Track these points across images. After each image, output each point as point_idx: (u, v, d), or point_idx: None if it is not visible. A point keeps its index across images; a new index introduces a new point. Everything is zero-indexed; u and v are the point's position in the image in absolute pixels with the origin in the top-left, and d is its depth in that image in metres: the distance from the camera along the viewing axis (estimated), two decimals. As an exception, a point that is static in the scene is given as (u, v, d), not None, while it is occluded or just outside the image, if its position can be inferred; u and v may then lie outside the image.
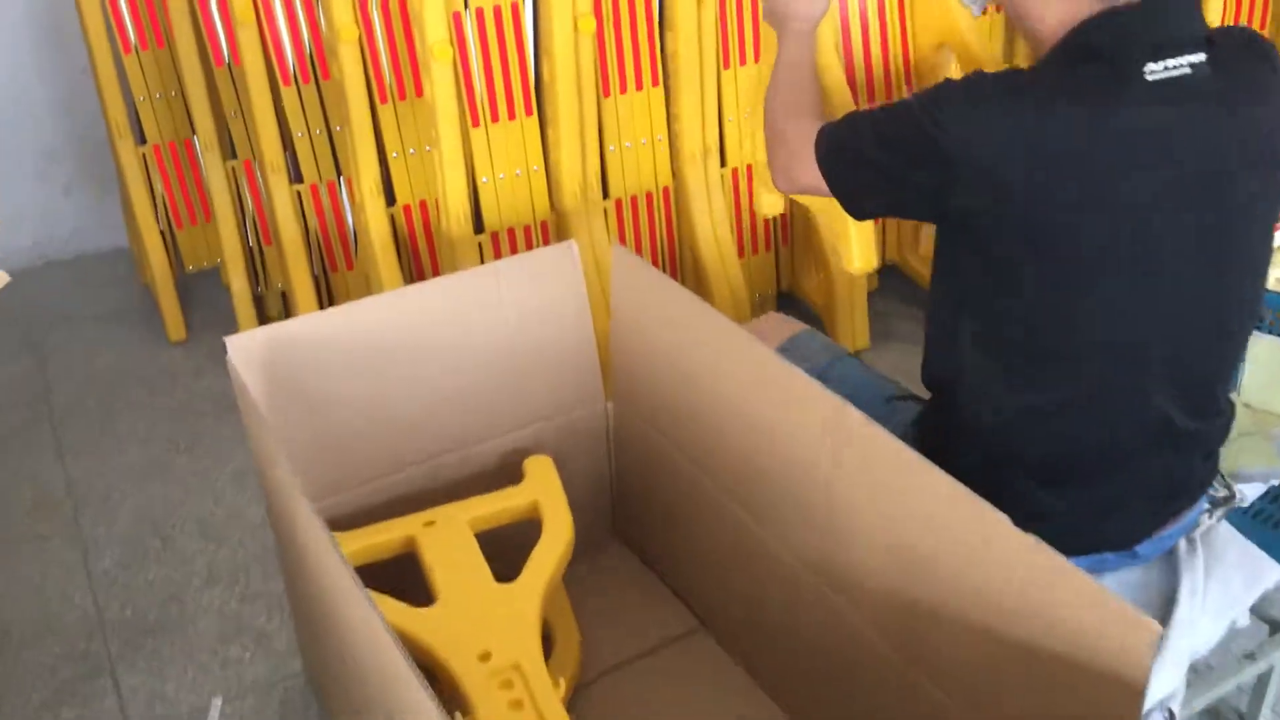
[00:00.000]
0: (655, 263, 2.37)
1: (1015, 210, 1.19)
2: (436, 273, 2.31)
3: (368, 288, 2.35)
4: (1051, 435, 1.27)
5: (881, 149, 1.29)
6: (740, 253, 2.38)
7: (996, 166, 1.18)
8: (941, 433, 1.39)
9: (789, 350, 1.61)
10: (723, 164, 2.30)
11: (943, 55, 1.72)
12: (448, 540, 1.58)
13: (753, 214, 2.41)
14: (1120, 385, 1.23)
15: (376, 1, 2.04)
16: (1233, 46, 1.20)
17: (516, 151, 2.09)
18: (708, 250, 2.28)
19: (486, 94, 2.02)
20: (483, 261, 2.15)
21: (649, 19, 2.11)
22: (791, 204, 2.42)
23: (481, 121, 2.04)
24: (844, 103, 1.65)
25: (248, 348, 1.51)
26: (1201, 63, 1.16)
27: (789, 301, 2.54)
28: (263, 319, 2.61)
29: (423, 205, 2.26)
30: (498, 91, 2.02)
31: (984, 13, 1.70)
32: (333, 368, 1.59)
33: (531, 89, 2.05)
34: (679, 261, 2.39)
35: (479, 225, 2.13)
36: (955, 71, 1.76)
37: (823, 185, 1.38)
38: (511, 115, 2.06)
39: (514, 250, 2.18)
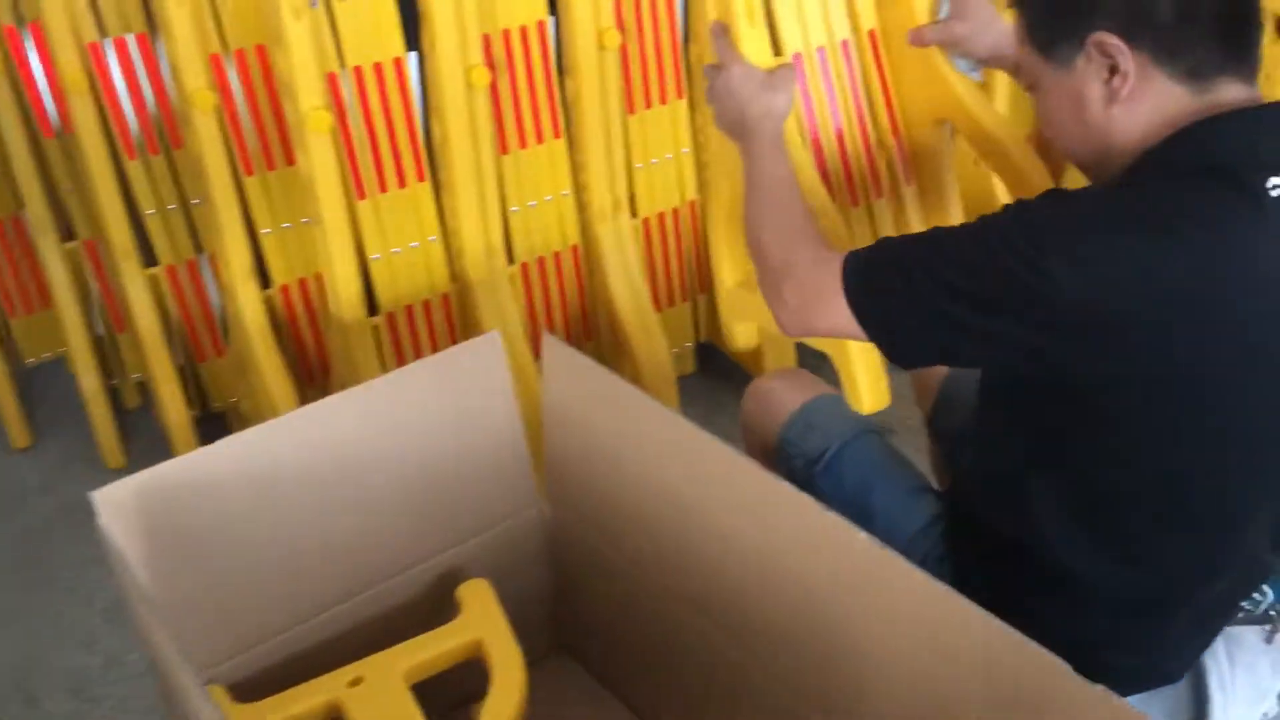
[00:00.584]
0: (567, 328, 2.17)
1: (1147, 370, 1.02)
2: (324, 360, 2.05)
3: (244, 378, 2.08)
4: (1138, 582, 1.13)
5: (954, 298, 1.06)
6: (656, 307, 2.19)
7: (1123, 319, 1.01)
8: (981, 553, 1.24)
9: (802, 419, 1.43)
10: (634, 214, 2.11)
11: (942, 133, 1.51)
12: (379, 701, 1.36)
13: (666, 266, 2.23)
14: (1233, 544, 1.10)
15: (233, 62, 1.78)
16: None
17: (410, 222, 1.86)
18: (625, 310, 2.09)
19: (372, 162, 1.78)
20: (380, 348, 1.91)
21: (546, 65, 1.90)
22: (701, 245, 2.25)
23: (368, 192, 1.80)
24: (822, 207, 1.44)
25: (119, 501, 1.27)
26: None
27: (709, 353, 2.37)
28: (119, 413, 2.30)
29: (303, 285, 2.00)
30: (384, 158, 1.79)
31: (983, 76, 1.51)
32: (225, 509, 1.35)
33: (422, 152, 1.82)
34: (592, 323, 2.19)
35: (372, 307, 1.89)
36: (957, 150, 1.55)
37: (852, 330, 1.15)
38: (402, 183, 1.82)
39: (413, 332, 1.95)
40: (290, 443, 1.39)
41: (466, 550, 1.55)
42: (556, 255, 2.07)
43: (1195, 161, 1.04)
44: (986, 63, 1.44)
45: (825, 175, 1.43)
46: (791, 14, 1.42)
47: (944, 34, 1.44)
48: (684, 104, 2.09)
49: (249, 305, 1.93)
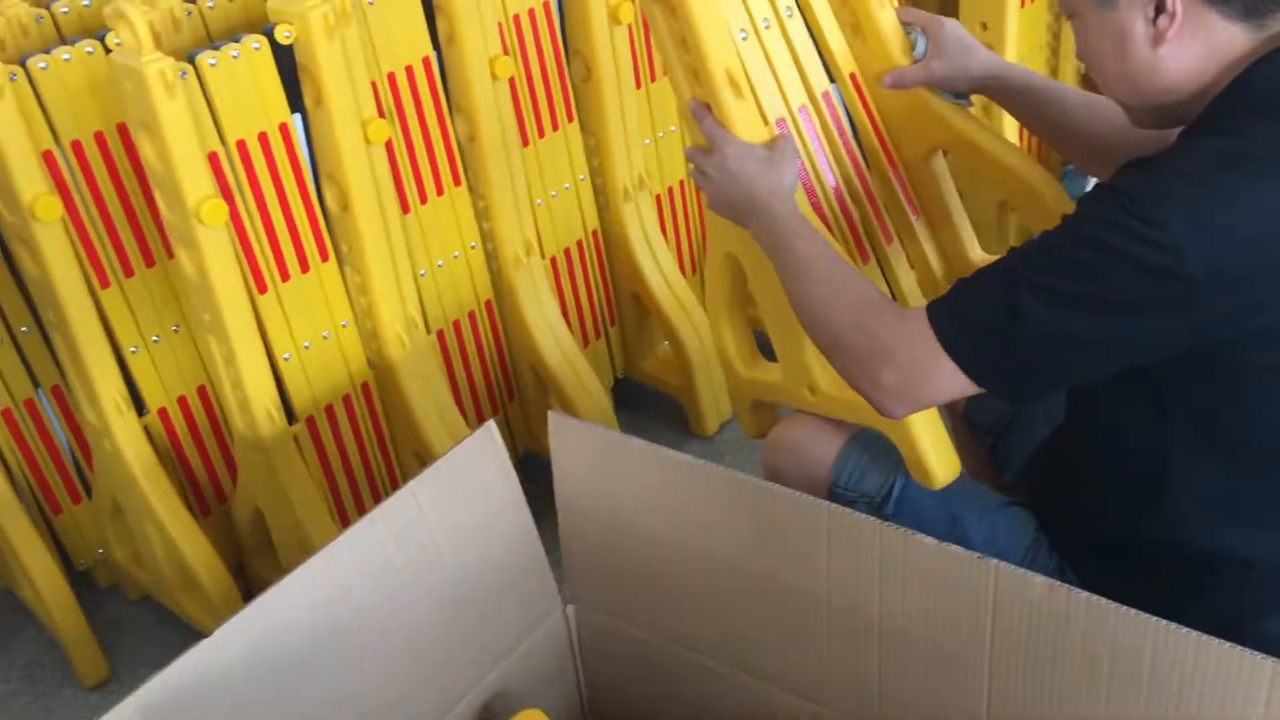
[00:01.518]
0: (491, 390, 1.94)
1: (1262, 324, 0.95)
2: (218, 487, 1.75)
3: (121, 525, 1.74)
4: None
5: (1070, 310, 0.96)
6: (573, 349, 2.01)
7: (1258, 269, 0.93)
8: (1103, 557, 1.14)
9: (851, 460, 1.28)
10: (541, 254, 1.92)
11: (938, 163, 1.40)
12: None
13: (578, 303, 2.04)
14: None
15: (71, 159, 1.46)
16: None
17: (319, 309, 1.59)
18: (552, 359, 1.89)
19: (269, 247, 1.51)
20: (304, 459, 1.63)
21: (438, 106, 1.68)
22: (612, 279, 2.09)
23: (269, 283, 1.52)
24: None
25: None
26: None
27: (629, 389, 2.20)
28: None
29: (184, 404, 1.69)
30: (282, 242, 1.52)
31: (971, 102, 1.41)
32: (243, 708, 1.09)
33: (322, 228, 1.56)
34: (514, 378, 1.98)
35: (289, 414, 1.61)
36: (951, 178, 1.43)
37: (965, 389, 1.02)
38: (305, 266, 1.55)
39: (335, 431, 1.68)
40: (296, 609, 1.14)
41: (500, 674, 1.33)
42: (471, 314, 1.85)
43: (1268, 94, 0.97)
44: (973, 92, 1.36)
45: (822, 217, 1.30)
46: (767, 81, 1.27)
47: (924, 75, 1.34)
48: (575, 128, 1.91)
49: (129, 440, 1.61)
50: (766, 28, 1.29)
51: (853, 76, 1.36)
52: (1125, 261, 0.93)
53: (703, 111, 1.23)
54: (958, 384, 1.02)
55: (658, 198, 2.08)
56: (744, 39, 1.26)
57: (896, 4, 1.37)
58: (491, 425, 1.31)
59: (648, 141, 2.03)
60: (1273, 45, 0.98)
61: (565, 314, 1.98)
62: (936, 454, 1.18)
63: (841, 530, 1.13)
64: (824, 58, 1.35)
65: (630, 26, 1.89)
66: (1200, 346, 0.98)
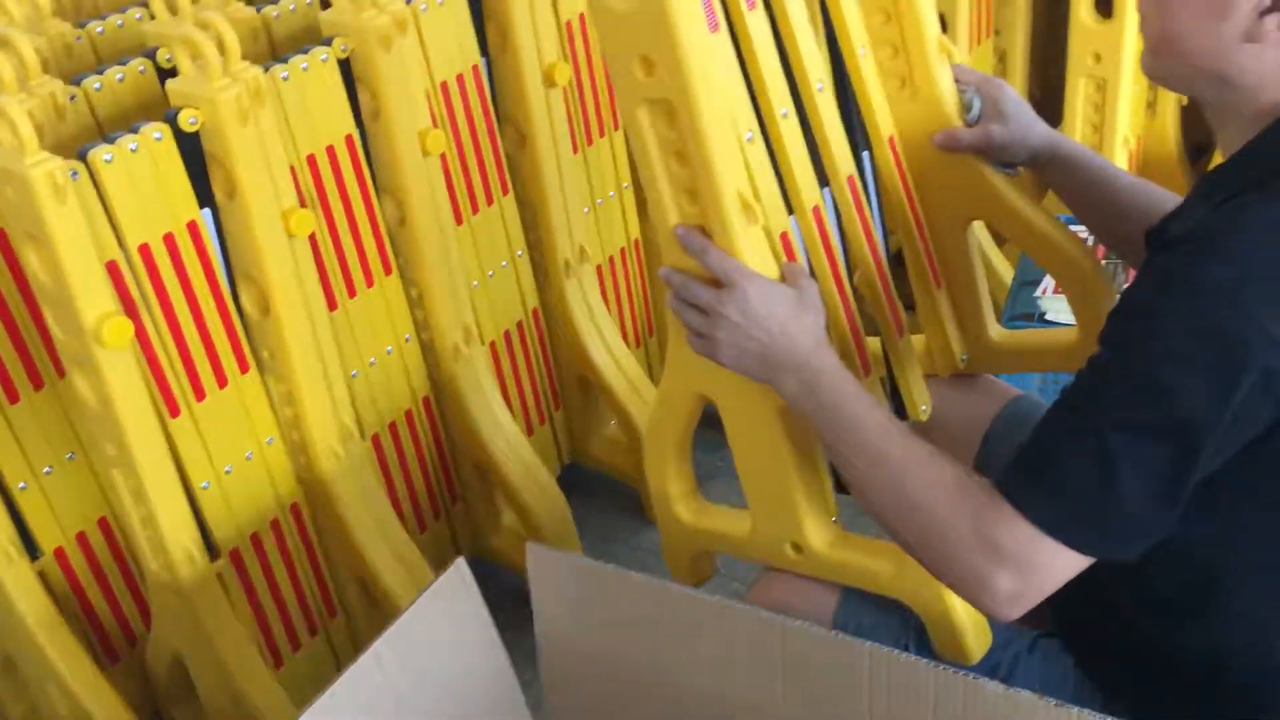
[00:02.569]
0: (431, 492, 1.76)
1: None
2: (129, 631, 1.52)
3: (15, 681, 1.51)
4: None
5: (1152, 435, 0.84)
6: (518, 438, 1.83)
7: None
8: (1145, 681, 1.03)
9: (847, 626, 1.13)
10: (480, 340, 1.74)
11: (969, 235, 1.27)
12: None
13: (520, 389, 1.87)
14: None
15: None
16: None
17: (240, 428, 1.39)
18: (499, 451, 1.71)
19: (181, 365, 1.30)
20: (230, 598, 1.42)
21: (363, 187, 1.50)
22: (555, 360, 1.93)
23: (182, 406, 1.32)
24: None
25: None
26: None
27: (576, 474, 2.03)
28: None
29: (83, 540, 1.46)
30: (195, 357, 1.32)
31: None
32: None
33: (241, 335, 1.37)
34: (456, 478, 1.79)
35: (210, 549, 1.40)
36: (983, 250, 1.30)
37: (1080, 566, 0.89)
38: (222, 382, 1.35)
39: (264, 564, 1.47)
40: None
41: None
42: (408, 414, 1.67)
43: None
44: (1023, 164, 1.24)
45: (854, 328, 1.14)
46: (773, 191, 1.06)
47: (982, 139, 1.21)
48: (511, 200, 1.75)
49: (20, 588, 1.38)
50: (785, 117, 1.09)
51: (891, 140, 1.23)
52: (1205, 370, 0.83)
53: (701, 239, 1.02)
54: (1074, 566, 0.89)
55: (599, 268, 1.93)
56: (750, 140, 1.03)
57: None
58: (462, 564, 1.14)
59: (587, 210, 1.88)
60: None
61: (507, 401, 1.80)
62: (974, 629, 1.05)
63: (887, 674, 0.99)
64: (863, 122, 1.22)
65: (565, 89, 1.74)
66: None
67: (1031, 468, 0.90)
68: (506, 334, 1.81)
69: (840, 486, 1.14)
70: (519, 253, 1.79)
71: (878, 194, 1.26)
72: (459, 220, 1.66)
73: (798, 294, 1.02)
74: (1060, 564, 0.88)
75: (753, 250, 1.01)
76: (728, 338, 1.02)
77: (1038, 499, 0.88)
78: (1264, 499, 0.93)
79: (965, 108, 1.24)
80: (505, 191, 1.73)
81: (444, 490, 1.78)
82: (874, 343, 1.25)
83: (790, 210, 1.09)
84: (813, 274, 1.11)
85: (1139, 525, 0.88)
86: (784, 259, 1.06)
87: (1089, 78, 1.95)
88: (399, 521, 1.59)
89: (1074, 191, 1.25)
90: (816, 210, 1.12)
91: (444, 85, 1.59)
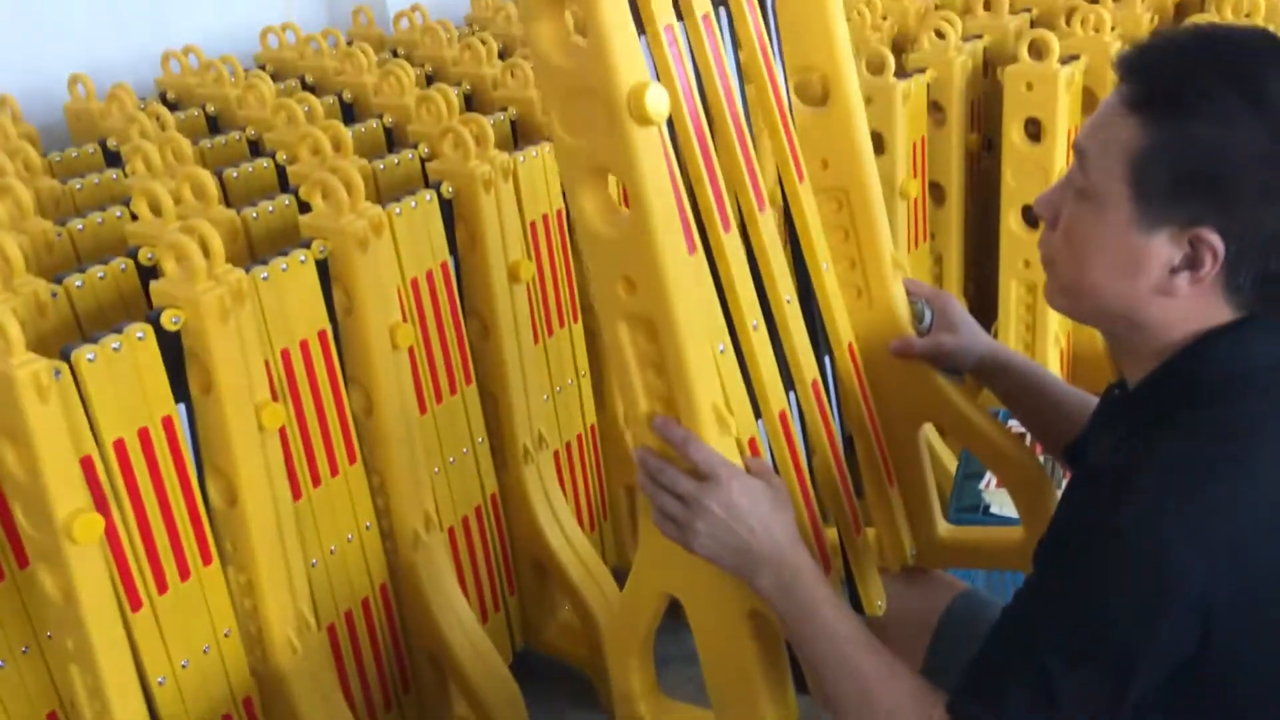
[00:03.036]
0: (384, 682, 1.74)
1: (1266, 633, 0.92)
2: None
3: None
4: None
5: (1085, 664, 0.91)
6: (472, 625, 1.83)
7: (1248, 598, 0.90)
8: None
9: None
10: (440, 528, 1.76)
11: (920, 437, 1.35)
12: None
13: (476, 575, 1.88)
14: None
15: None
16: None
17: (199, 621, 1.38)
18: (455, 640, 1.71)
19: (146, 560, 1.31)
20: (179, 798, 1.39)
21: (333, 380, 1.54)
22: (512, 545, 1.95)
23: (145, 599, 1.32)
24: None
25: None
26: None
27: (530, 660, 2.02)
28: None
29: (31, 735, 1.43)
30: (161, 551, 1.32)
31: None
32: None
33: (206, 527, 1.38)
34: (409, 667, 1.78)
35: (160, 746, 1.37)
36: (932, 452, 1.39)
37: None
38: (184, 574, 1.36)
39: (215, 758, 1.45)
40: None
41: None
42: (365, 602, 1.67)
43: (1246, 370, 0.96)
44: (968, 372, 1.34)
45: (815, 526, 1.20)
46: (743, 401, 1.13)
47: (933, 347, 1.31)
48: (474, 390, 1.80)
49: (-43, 793, 1.34)
50: (755, 328, 1.16)
51: (850, 346, 1.31)
52: (1134, 602, 0.90)
53: (682, 429, 1.06)
54: None
55: (556, 454, 1.97)
56: (723, 352, 1.10)
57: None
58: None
59: (546, 397, 1.93)
60: (1242, 312, 0.97)
61: (463, 587, 1.81)
62: None
63: None
64: (825, 330, 1.29)
65: (528, 283, 1.82)
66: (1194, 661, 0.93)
67: (979, 690, 0.95)
68: (465, 520, 1.84)
69: (800, 685, 1.17)
70: (479, 439, 1.83)
71: (837, 397, 1.34)
72: (423, 409, 1.71)
73: (775, 492, 1.07)
74: None
75: (726, 455, 1.06)
76: (707, 529, 1.05)
77: (975, 707, 0.94)
78: (1199, 714, 0.98)
79: (918, 317, 1.34)
80: (469, 381, 1.79)
81: (396, 680, 1.76)
82: (830, 532, 1.30)
83: (758, 415, 1.16)
84: (777, 473, 1.16)
85: None
86: (780, 437, 1.12)
87: (1020, 281, 2.08)
88: (350, 713, 1.57)
89: (1013, 396, 1.34)
90: (783, 415, 1.19)
91: (414, 281, 1.66)
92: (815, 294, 1.29)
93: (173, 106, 2.46)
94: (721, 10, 1.16)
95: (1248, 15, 2.03)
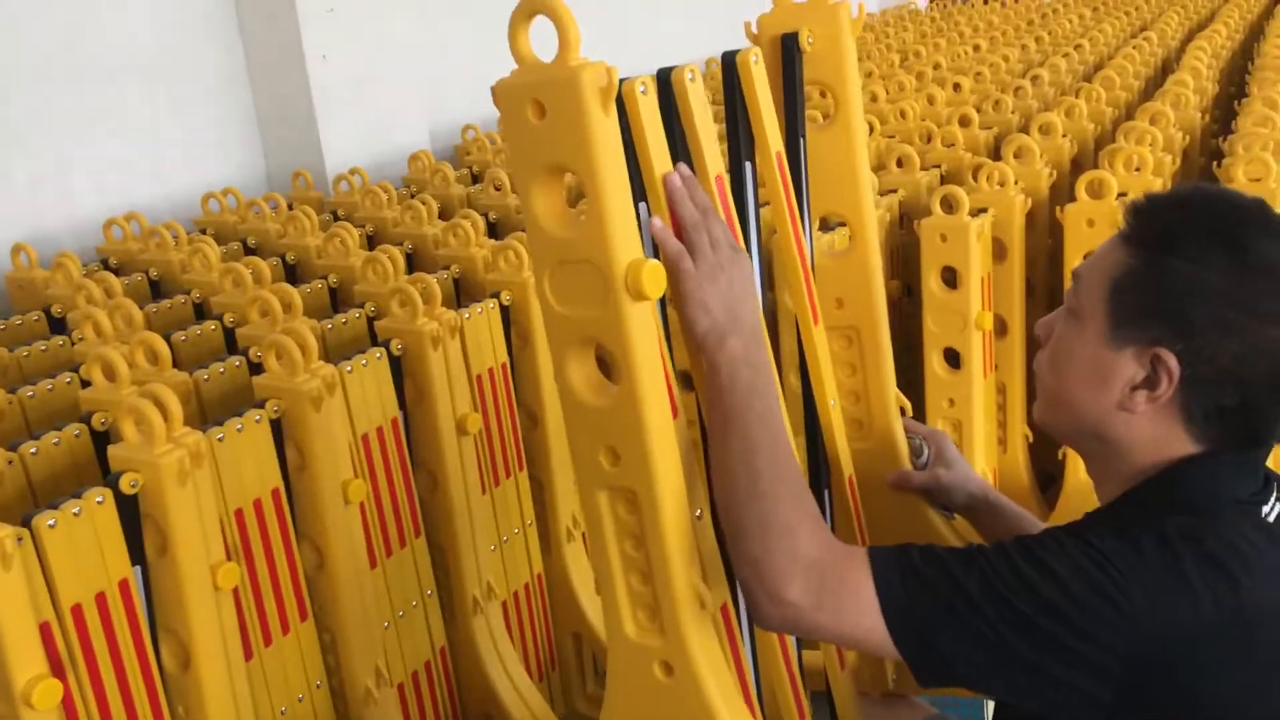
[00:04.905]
0: None
1: (1213, 702, 1.00)
2: None
3: None
4: None
5: (1017, 625, 0.98)
6: None
7: (1181, 660, 0.98)
8: None
9: None
10: (390, 684, 1.76)
11: None
12: None
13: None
14: None
15: None
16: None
17: (151, 786, 1.37)
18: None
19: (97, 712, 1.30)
20: None
21: (285, 537, 1.56)
22: (462, 700, 1.94)
23: (95, 767, 1.30)
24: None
25: None
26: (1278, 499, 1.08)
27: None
28: None
29: None
30: (115, 716, 1.31)
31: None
32: None
33: (160, 691, 1.37)
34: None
35: None
36: None
37: (871, 638, 1.01)
38: (137, 736, 1.35)
39: None
40: None
41: None
42: (327, 758, 1.65)
43: (1211, 501, 1.05)
44: (959, 511, 1.41)
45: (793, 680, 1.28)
46: (716, 567, 1.14)
47: (930, 481, 1.39)
48: (422, 542, 1.82)
49: None
50: None
51: (850, 480, 1.37)
52: (1081, 611, 0.97)
53: (707, 208, 1.08)
54: (867, 631, 1.01)
55: (504, 604, 1.99)
56: (699, 517, 1.09)
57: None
58: None
59: (493, 547, 1.96)
60: (1193, 455, 1.07)
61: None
62: None
63: None
64: (828, 465, 1.35)
65: (475, 437, 1.87)
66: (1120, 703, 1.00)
67: (905, 553, 1.04)
68: (415, 675, 1.83)
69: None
70: (429, 592, 1.85)
71: (832, 528, 1.39)
72: (373, 563, 1.72)
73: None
74: (862, 613, 1.01)
75: (701, 633, 1.07)
76: (728, 275, 1.05)
77: (889, 564, 1.02)
78: None
79: (915, 453, 1.42)
80: (417, 533, 1.81)
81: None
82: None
83: None
84: None
85: (937, 655, 1.01)
86: (723, 631, 1.14)
87: (945, 419, 2.18)
88: None
89: (998, 532, 1.40)
90: None
91: (365, 437, 1.70)
92: (821, 430, 1.36)
93: (115, 271, 2.51)
94: (748, 165, 1.24)
95: (1137, 169, 2.22)
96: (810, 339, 1.30)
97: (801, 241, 1.28)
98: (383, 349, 1.73)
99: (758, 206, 1.26)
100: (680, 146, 1.10)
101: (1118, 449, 1.09)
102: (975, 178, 2.34)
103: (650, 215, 1.05)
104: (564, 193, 1.00)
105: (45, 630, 1.23)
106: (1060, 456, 2.28)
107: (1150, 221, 1.08)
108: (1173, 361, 1.02)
